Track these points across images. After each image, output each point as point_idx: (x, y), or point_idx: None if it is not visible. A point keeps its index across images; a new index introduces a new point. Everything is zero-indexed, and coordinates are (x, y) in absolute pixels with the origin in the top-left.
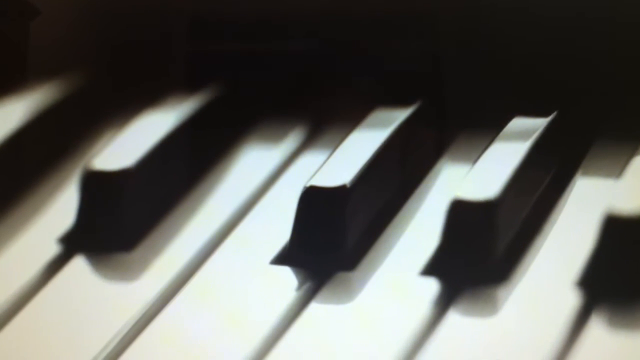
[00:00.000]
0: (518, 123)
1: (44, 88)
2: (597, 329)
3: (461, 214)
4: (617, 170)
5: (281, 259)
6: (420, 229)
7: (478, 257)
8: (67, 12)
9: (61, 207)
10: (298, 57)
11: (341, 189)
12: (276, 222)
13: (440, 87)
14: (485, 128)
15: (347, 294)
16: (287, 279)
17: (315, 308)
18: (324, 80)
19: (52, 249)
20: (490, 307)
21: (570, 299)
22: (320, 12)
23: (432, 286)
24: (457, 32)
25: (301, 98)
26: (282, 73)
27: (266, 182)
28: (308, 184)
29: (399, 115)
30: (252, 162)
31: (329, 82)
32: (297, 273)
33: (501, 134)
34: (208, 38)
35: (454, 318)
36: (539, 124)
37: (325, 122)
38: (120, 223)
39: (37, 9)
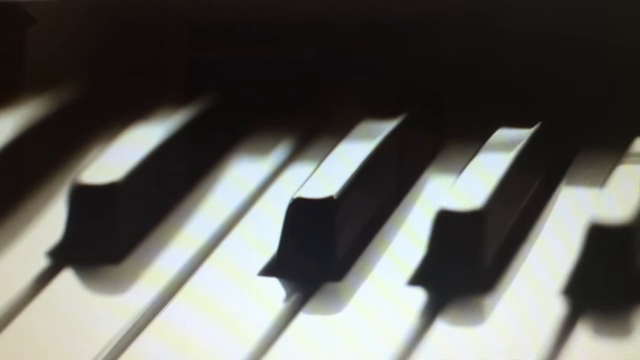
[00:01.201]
0: (503, 133)
1: (36, 101)
2: (583, 336)
3: (447, 224)
4: (601, 179)
5: (269, 271)
6: (408, 239)
7: (465, 266)
8: (63, 20)
9: (50, 220)
10: (287, 67)
11: (328, 200)
12: (264, 233)
13: (429, 97)
14: (471, 138)
15: (335, 304)
16: (275, 290)
17: (304, 318)
18: (312, 92)
19: (41, 262)
20: (477, 315)
21: (557, 307)
22: (313, 21)
23: (419, 295)
24: (448, 43)
25: (290, 109)
26: (271, 84)
27: (254, 194)
28: (296, 196)
29: (387, 126)
30: (241, 173)
31: (318, 94)
32: (285, 284)
33: (486, 144)
34: (204, 47)
35: (442, 327)
36: (523, 134)
37: (314, 134)
38: (109, 236)
39: (32, 17)
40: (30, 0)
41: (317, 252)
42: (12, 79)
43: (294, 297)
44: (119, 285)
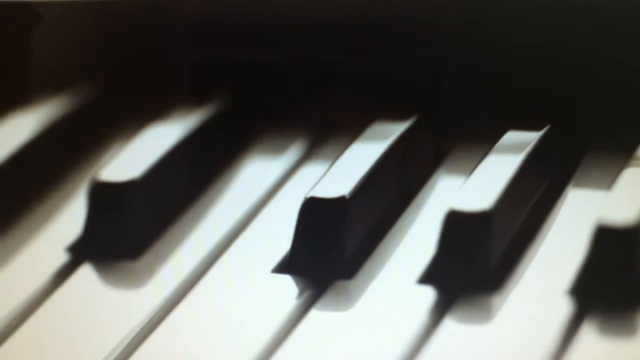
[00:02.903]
0: (512, 136)
1: (53, 100)
2: (589, 337)
3: (457, 224)
4: (608, 181)
5: (282, 268)
6: (417, 238)
7: (473, 266)
8: (69, 20)
9: (69, 217)
10: (298, 68)
11: (341, 200)
12: (278, 231)
13: (439, 99)
14: (481, 141)
15: (346, 301)
16: (287, 287)
17: (315, 315)
18: (324, 92)
19: (61, 257)
20: (485, 314)
21: (563, 307)
22: (321, 20)
23: (428, 294)
24: (454, 44)
25: (302, 110)
26: (283, 84)
27: (268, 193)
28: (308, 195)
29: (398, 128)
30: (255, 173)
31: (330, 94)
32: (297, 281)
33: (495, 146)
34: (211, 45)
35: (450, 325)
36: (532, 137)
37: (326, 134)
38: (126, 232)
39: (39, 15)
40: (38, 0)
41: (329, 251)
42: (19, 77)
43: (305, 295)
44: (136, 281)
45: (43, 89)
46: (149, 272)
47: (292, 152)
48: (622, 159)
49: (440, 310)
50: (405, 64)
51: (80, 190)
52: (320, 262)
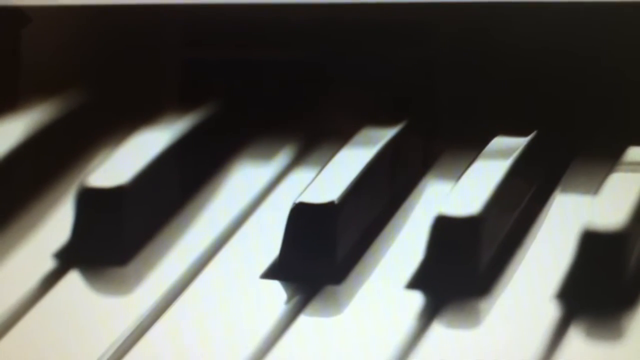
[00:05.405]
0: (499, 142)
1: (41, 105)
2: (576, 340)
3: (445, 229)
4: (594, 187)
5: (271, 273)
6: (406, 243)
7: (461, 270)
8: (58, 22)
9: (57, 223)
10: (288, 72)
11: (330, 205)
12: (267, 237)
13: (429, 104)
14: (469, 146)
15: (335, 306)
16: (277, 293)
17: (304, 320)
18: (314, 97)
19: (48, 264)
20: (473, 319)
21: (550, 311)
22: (312, 24)
23: (417, 299)
24: (445, 49)
25: (292, 115)
26: (273, 89)
27: (257, 198)
28: (298, 200)
29: (387, 133)
30: (244, 178)
31: (320, 99)
32: (286, 287)
33: (483, 152)
34: (200, 49)
35: (438, 330)
36: (519, 142)
37: (316, 139)
38: (114, 238)
39: (28, 16)
40: (28, 5)
41: (318, 256)
42: (7, 81)
43: (294, 300)
44: (124, 287)
45: (31, 93)
46: (138, 278)
47: (282, 157)
48: (609, 164)
49: (428, 315)
50: (395, 69)
51: (68, 196)
52: (310, 267)
